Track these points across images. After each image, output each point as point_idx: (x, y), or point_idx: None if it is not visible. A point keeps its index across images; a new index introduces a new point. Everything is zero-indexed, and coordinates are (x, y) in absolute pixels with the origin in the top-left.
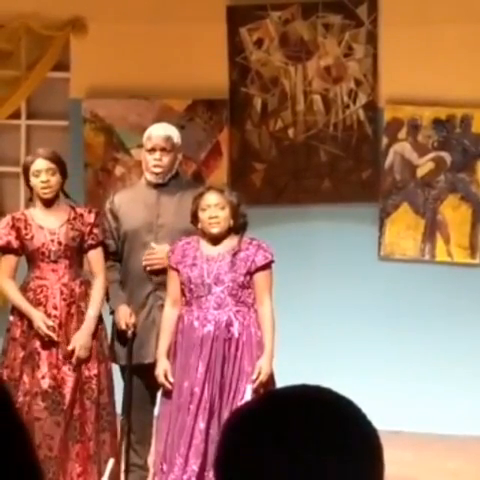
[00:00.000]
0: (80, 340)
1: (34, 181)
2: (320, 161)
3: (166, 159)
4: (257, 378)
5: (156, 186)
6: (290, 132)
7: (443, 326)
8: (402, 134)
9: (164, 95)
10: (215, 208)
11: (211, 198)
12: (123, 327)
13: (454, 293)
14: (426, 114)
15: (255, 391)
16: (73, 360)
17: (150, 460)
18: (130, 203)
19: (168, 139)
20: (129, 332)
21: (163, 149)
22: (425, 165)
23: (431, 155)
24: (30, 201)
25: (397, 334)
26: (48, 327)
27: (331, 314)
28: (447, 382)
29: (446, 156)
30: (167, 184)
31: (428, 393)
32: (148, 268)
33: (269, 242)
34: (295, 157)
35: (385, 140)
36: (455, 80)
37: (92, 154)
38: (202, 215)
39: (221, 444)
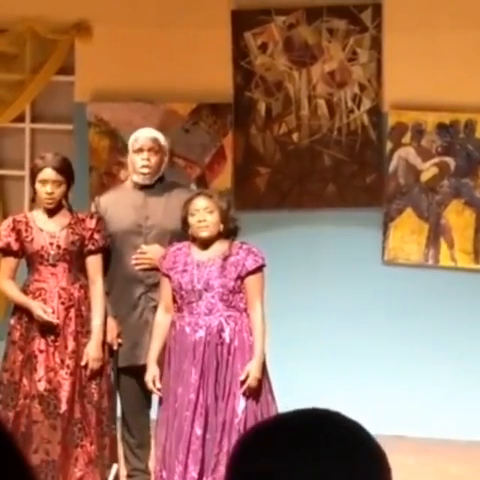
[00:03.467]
0: (91, 353)
1: (39, 188)
2: (324, 165)
3: (154, 159)
4: (245, 382)
5: (142, 188)
6: (294, 136)
7: (446, 331)
8: (406, 139)
9: (169, 99)
10: (204, 212)
11: (200, 203)
12: (109, 340)
13: (458, 298)
14: (430, 119)
15: (243, 395)
16: (87, 373)
17: (151, 464)
18: (117, 205)
19: (155, 140)
20: (115, 347)
21: (151, 149)
22: (429, 170)
23: (435, 160)
24: (33, 202)
25: (400, 339)
26: (47, 313)
27: (335, 318)
28: (450, 387)
29: (450, 161)
30: (153, 186)
31: (431, 398)
32: (138, 268)
33: (273, 246)
34: (299, 161)
35: (389, 145)
36: (459, 85)
37: (97, 158)
38: (191, 220)
39: (230, 466)
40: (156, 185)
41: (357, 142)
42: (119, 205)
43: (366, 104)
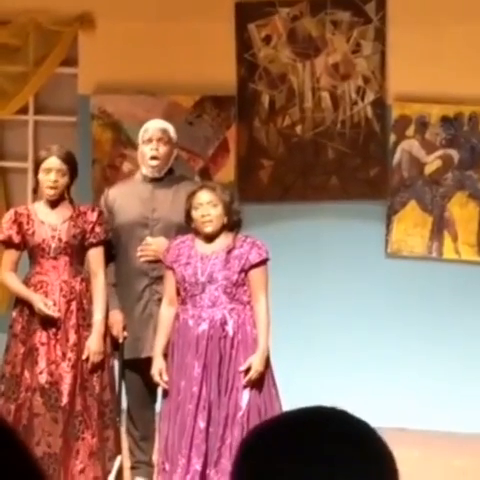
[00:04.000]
0: (92, 346)
1: (43, 177)
2: (328, 158)
3: (163, 150)
4: (247, 374)
5: (151, 181)
6: (298, 129)
7: (450, 323)
8: (410, 131)
9: (172, 91)
10: (207, 206)
11: (203, 196)
12: (114, 333)
13: (461, 291)
14: (434, 111)
15: (244, 387)
16: (89, 366)
17: (155, 457)
18: (125, 197)
19: (165, 131)
20: (120, 339)
21: (160, 139)
22: (433, 163)
23: (439, 153)
24: (35, 193)
25: (403, 331)
26: (48, 306)
27: (338, 311)
28: (453, 379)
29: (454, 154)
30: (162, 179)
31: (434, 390)
32: (142, 259)
33: (276, 239)
34: (303, 154)
35: (393, 137)
36: (463, 78)
37: (100, 150)
38: (195, 213)
39: (235, 465)
40: (165, 178)
41: (361, 135)
42: (127, 197)
43: (370, 96)
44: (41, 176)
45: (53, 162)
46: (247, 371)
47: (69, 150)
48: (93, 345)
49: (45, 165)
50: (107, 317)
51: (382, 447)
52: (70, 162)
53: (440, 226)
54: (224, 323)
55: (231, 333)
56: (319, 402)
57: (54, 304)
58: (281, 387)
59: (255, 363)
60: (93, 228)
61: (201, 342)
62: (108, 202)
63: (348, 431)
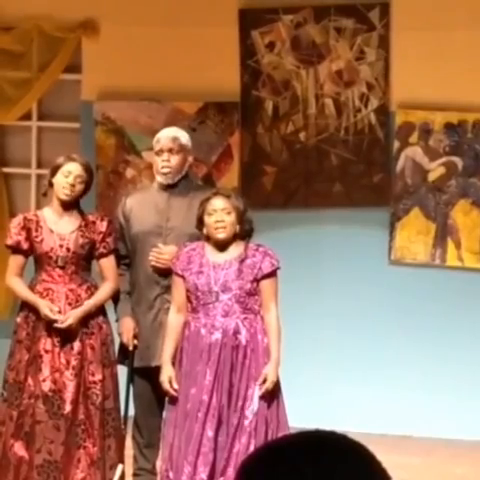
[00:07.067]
0: (72, 316)
1: (60, 179)
2: (331, 165)
3: (174, 160)
4: (262, 385)
5: (167, 189)
6: (301, 136)
7: (453, 330)
8: (413, 138)
9: (175, 98)
10: (221, 213)
11: (218, 203)
12: (124, 340)
13: (464, 298)
14: (438, 118)
15: (261, 398)
16: (56, 326)
17: (158, 464)
18: (141, 206)
19: (175, 140)
20: (130, 347)
21: (170, 150)
22: (436, 170)
23: (442, 160)
24: (44, 196)
25: (407, 338)
26: (53, 312)
27: (341, 318)
28: (456, 386)
29: (457, 161)
30: (177, 186)
31: (437, 397)
32: (152, 263)
33: (279, 246)
34: (306, 161)
35: (396, 144)
36: (467, 85)
37: (103, 156)
38: (208, 220)
39: None
40: (180, 184)
41: (364, 141)
42: (143, 206)
43: (373, 103)
44: (59, 178)
45: (75, 167)
46: (262, 383)
47: (88, 161)
48: (73, 315)
49: (66, 168)
50: (108, 322)
51: (380, 471)
52: (89, 173)
53: (443, 233)
54: (237, 332)
55: (244, 342)
56: (323, 410)
57: (59, 312)
58: (285, 395)
59: (270, 374)
60: (103, 238)
61: (214, 351)
62: (125, 210)
63: (347, 455)
